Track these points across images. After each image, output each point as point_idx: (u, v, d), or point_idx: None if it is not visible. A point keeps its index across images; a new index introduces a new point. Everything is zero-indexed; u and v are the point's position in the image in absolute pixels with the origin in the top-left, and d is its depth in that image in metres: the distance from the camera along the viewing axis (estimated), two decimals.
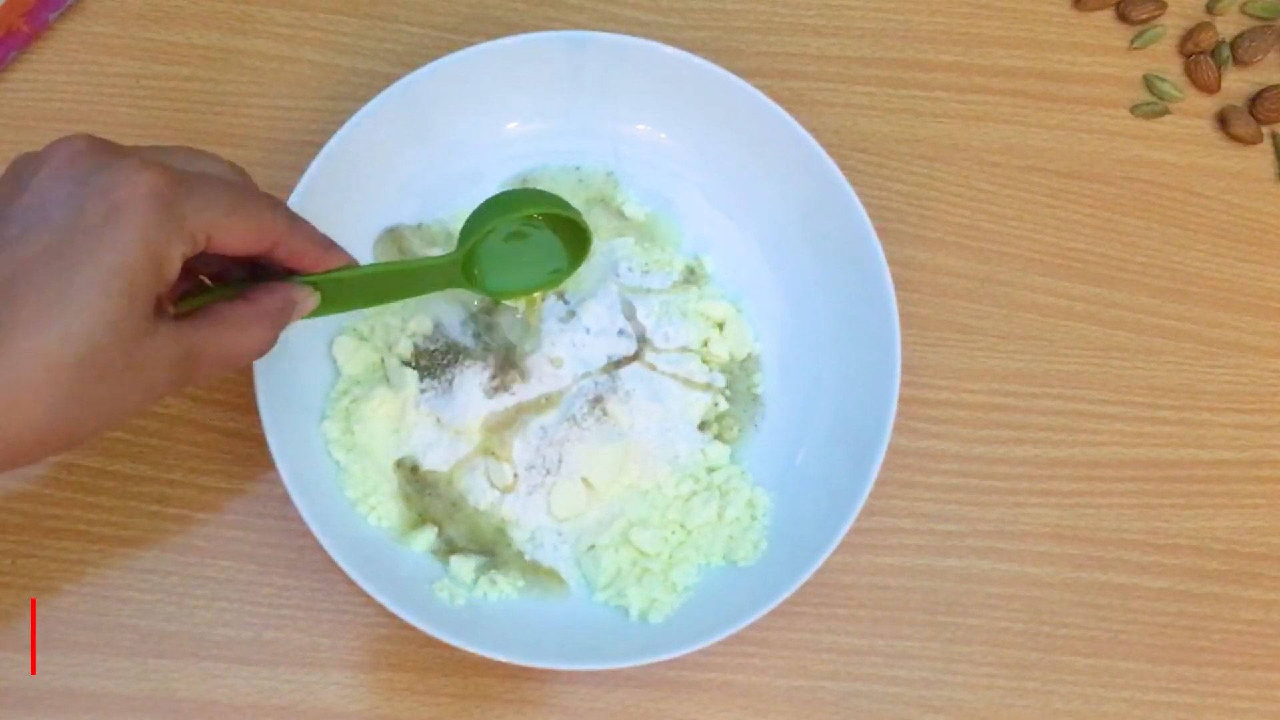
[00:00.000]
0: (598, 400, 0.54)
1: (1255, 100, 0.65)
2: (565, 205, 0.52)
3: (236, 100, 0.60)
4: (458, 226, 0.52)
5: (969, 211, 0.63)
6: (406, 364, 0.55)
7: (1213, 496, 0.60)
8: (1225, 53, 0.66)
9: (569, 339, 0.55)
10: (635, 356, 0.56)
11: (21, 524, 0.54)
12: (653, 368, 0.56)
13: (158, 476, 0.55)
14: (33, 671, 0.53)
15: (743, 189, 0.59)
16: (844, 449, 0.55)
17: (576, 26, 0.62)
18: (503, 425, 0.54)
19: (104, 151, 0.39)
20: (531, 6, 0.63)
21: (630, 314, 0.57)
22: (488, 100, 0.58)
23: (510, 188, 0.58)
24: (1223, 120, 0.65)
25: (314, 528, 0.49)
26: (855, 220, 0.55)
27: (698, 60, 0.56)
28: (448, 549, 0.54)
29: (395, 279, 0.50)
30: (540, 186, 0.59)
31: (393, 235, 0.57)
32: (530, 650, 0.50)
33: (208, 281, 0.46)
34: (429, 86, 0.55)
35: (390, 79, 0.55)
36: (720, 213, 0.60)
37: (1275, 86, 0.65)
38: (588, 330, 0.55)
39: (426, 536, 0.53)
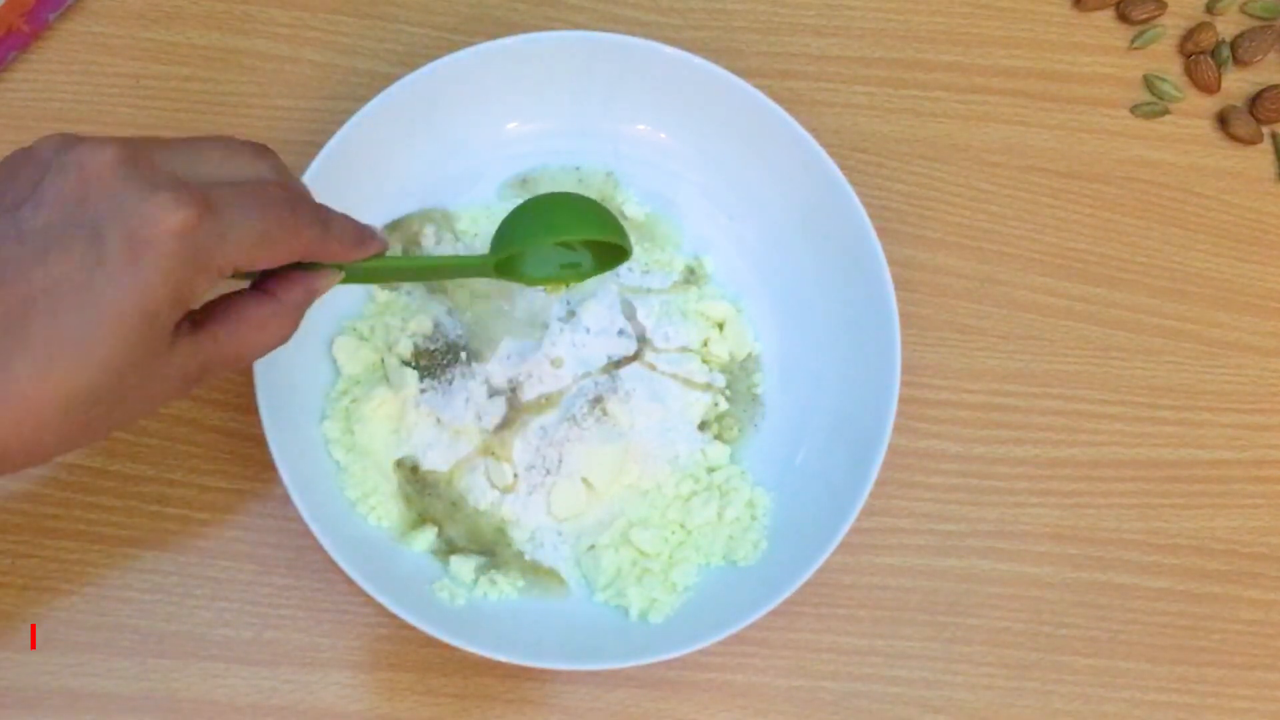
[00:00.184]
0: (598, 400, 0.54)
1: (1255, 100, 0.65)
2: (613, 229, 0.49)
3: (236, 100, 0.60)
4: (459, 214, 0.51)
5: (969, 211, 0.63)
6: (406, 364, 0.55)
7: (1213, 496, 0.60)
8: (1225, 53, 0.66)
9: (569, 339, 0.55)
10: (635, 356, 0.56)
11: (21, 524, 0.54)
12: (653, 368, 0.56)
13: (158, 476, 0.55)
14: (32, 645, 0.52)
15: (743, 189, 0.59)
16: (844, 449, 0.55)
17: (576, 26, 0.62)
18: (503, 425, 0.54)
19: (133, 175, 0.36)
20: (531, 6, 0.63)
21: (630, 314, 0.57)
22: (488, 100, 0.58)
23: (554, 192, 0.54)
24: (1223, 120, 0.65)
25: (314, 528, 0.49)
26: (855, 220, 0.55)
27: (698, 60, 0.56)
28: (448, 549, 0.54)
29: (423, 270, 0.49)
30: (540, 187, 0.59)
31: (398, 226, 0.57)
32: (530, 650, 0.50)
33: None
34: (429, 86, 0.55)
35: (390, 79, 0.55)
36: (720, 213, 0.60)
37: (1275, 86, 0.65)
38: (588, 330, 0.55)
39: (426, 536, 0.53)
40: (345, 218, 0.43)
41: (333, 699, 0.54)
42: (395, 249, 0.57)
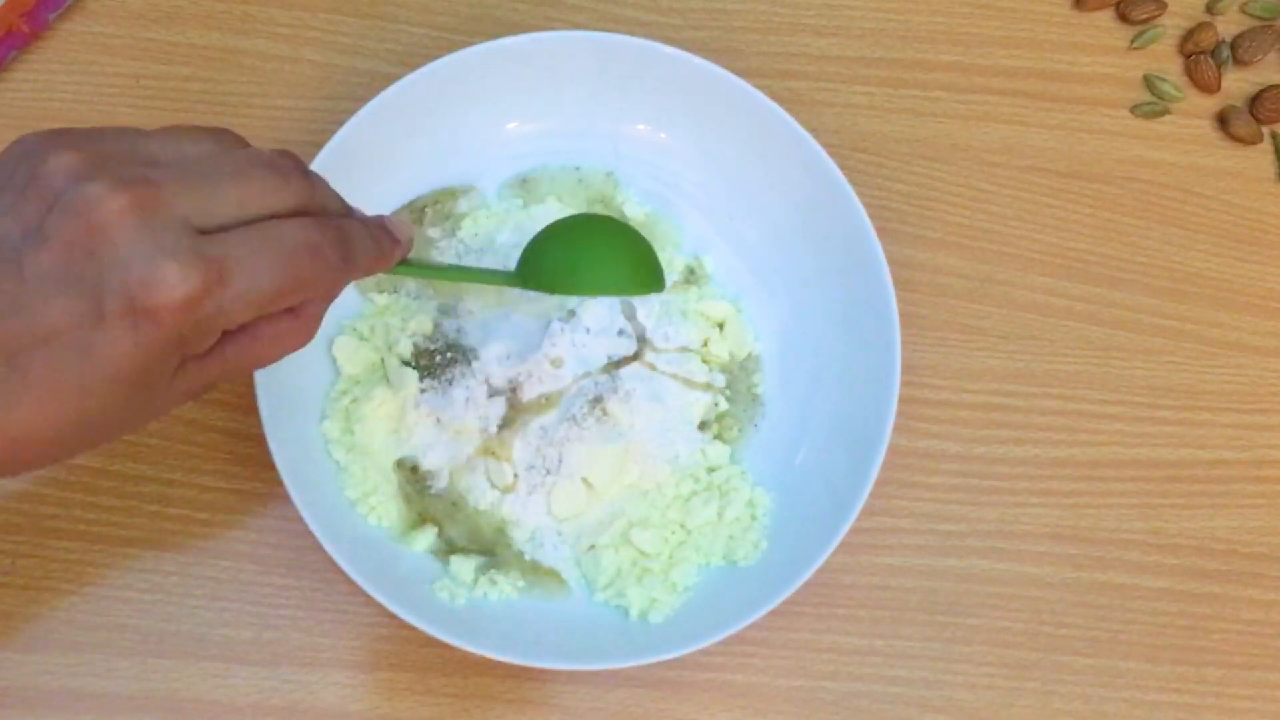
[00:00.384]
0: (598, 400, 0.54)
1: (1255, 100, 0.65)
2: (650, 280, 0.48)
3: (236, 100, 0.60)
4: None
5: (969, 211, 0.63)
6: (406, 364, 0.55)
7: (1213, 496, 0.60)
8: (1225, 53, 0.66)
9: (569, 339, 0.55)
10: (635, 356, 0.56)
11: (21, 524, 0.54)
12: (653, 368, 0.56)
13: (158, 476, 0.55)
14: None
15: (743, 189, 0.59)
16: (844, 449, 0.55)
17: (576, 26, 0.62)
18: (503, 425, 0.54)
19: (143, 233, 0.33)
20: (531, 6, 0.63)
21: (630, 314, 0.57)
22: (488, 100, 0.58)
23: (585, 213, 0.53)
24: (1223, 120, 0.65)
25: (314, 528, 0.49)
26: (855, 220, 0.55)
27: (698, 60, 0.56)
28: (448, 549, 0.54)
29: (444, 274, 0.47)
30: (540, 187, 0.59)
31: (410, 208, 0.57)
32: (530, 650, 0.50)
33: None
34: (429, 86, 0.55)
35: (390, 79, 0.55)
36: (720, 213, 0.60)
37: (1275, 86, 0.65)
38: (588, 330, 0.55)
39: (426, 536, 0.53)
40: (368, 233, 0.40)
41: (333, 699, 0.54)
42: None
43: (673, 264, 0.58)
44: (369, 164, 0.56)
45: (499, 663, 0.50)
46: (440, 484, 0.54)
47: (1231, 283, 0.63)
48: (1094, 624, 0.58)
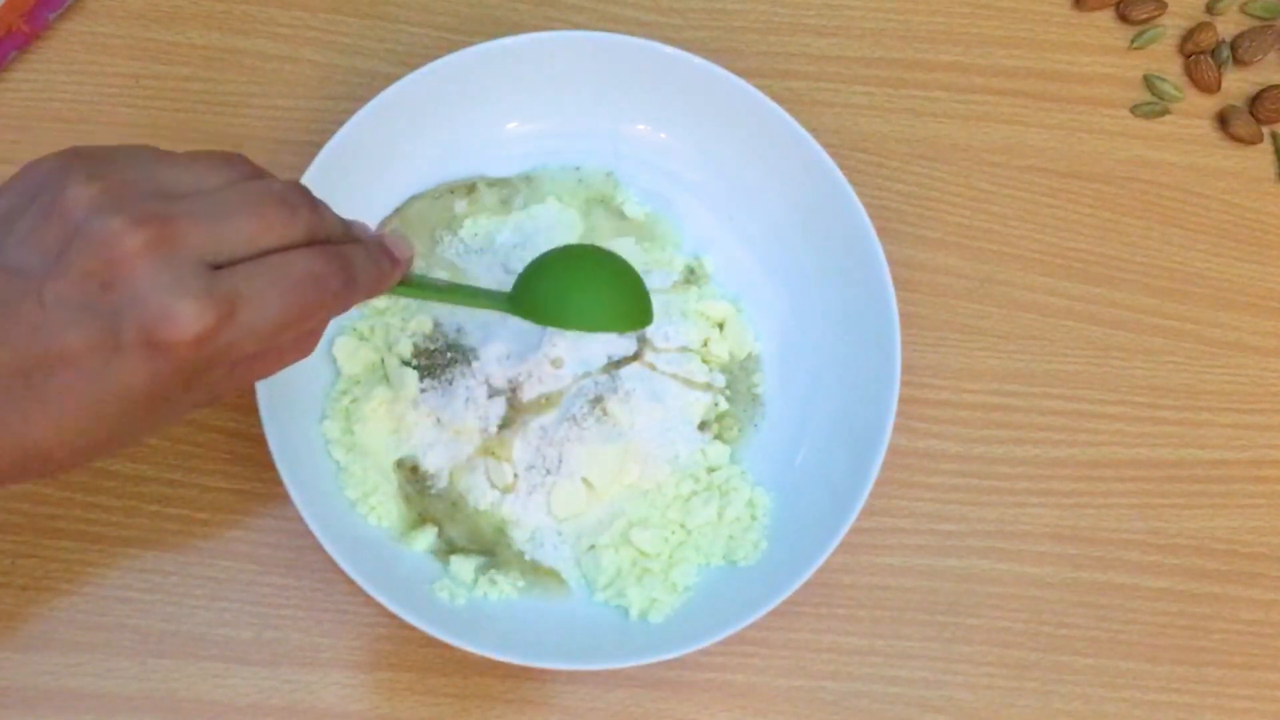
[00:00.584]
0: (598, 400, 0.54)
1: (1255, 100, 0.65)
2: (638, 317, 0.49)
3: (236, 100, 0.60)
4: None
5: (969, 211, 0.63)
6: (406, 364, 0.55)
7: (1213, 496, 0.60)
8: (1225, 53, 0.66)
9: (569, 339, 0.55)
10: (635, 356, 0.56)
11: (21, 524, 0.54)
12: (653, 368, 0.56)
13: (158, 476, 0.55)
14: None
15: (743, 189, 0.59)
16: (844, 449, 0.55)
17: (576, 26, 0.62)
18: (503, 425, 0.54)
19: (160, 271, 0.35)
20: (531, 6, 0.63)
21: None
22: (488, 100, 0.58)
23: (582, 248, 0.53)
24: (1223, 120, 0.65)
25: (314, 528, 0.49)
26: (855, 220, 0.55)
27: (698, 60, 0.56)
28: (448, 549, 0.54)
29: (441, 295, 0.48)
30: (541, 187, 0.59)
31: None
32: (530, 650, 0.50)
33: None
34: (429, 86, 0.55)
35: (390, 79, 0.55)
36: (720, 213, 0.60)
37: (1275, 86, 0.65)
38: None
39: (426, 536, 0.53)
40: (369, 256, 0.41)
41: (333, 699, 0.54)
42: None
43: (673, 264, 0.58)
44: (369, 164, 0.56)
45: (499, 663, 0.50)
46: (440, 484, 0.54)
47: (1231, 283, 0.63)
48: (1094, 624, 0.58)
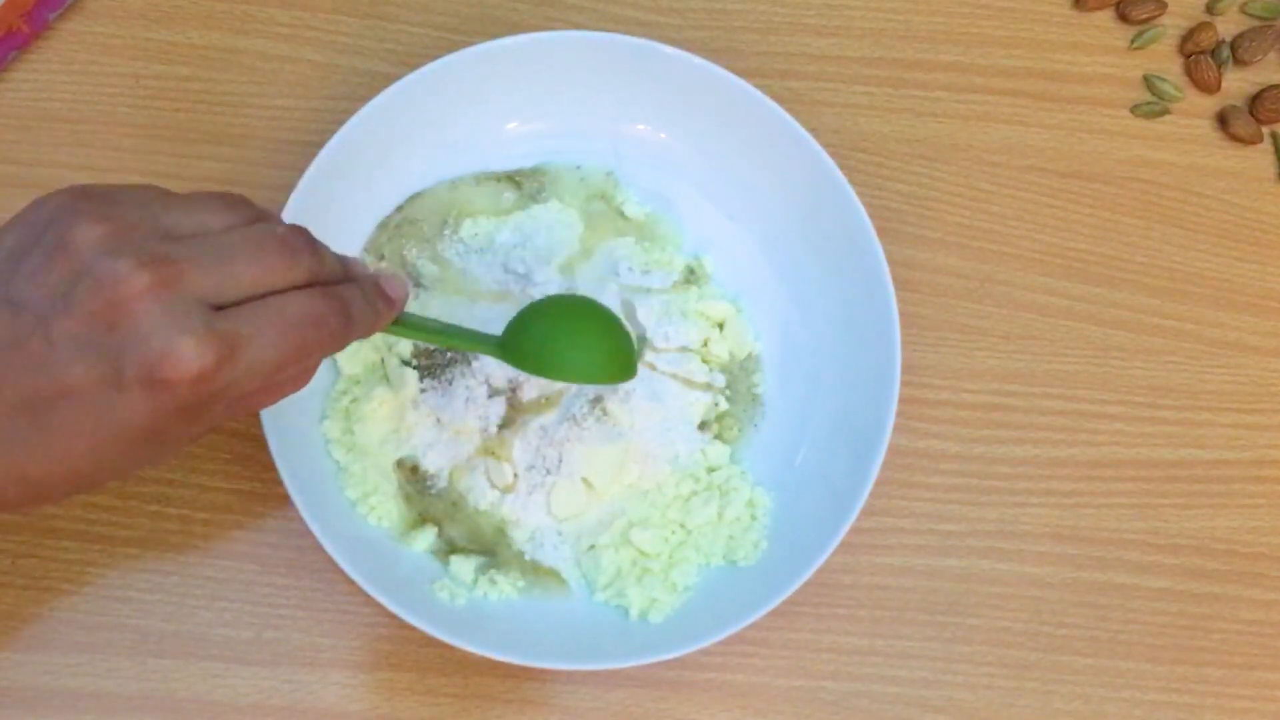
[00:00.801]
0: (597, 400, 0.54)
1: (1255, 100, 0.65)
2: (619, 370, 0.50)
3: (236, 100, 0.60)
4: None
5: (969, 211, 0.63)
6: (406, 364, 0.55)
7: (1213, 496, 0.60)
8: (1225, 53, 0.66)
9: None
10: None
11: (21, 524, 0.54)
12: (653, 368, 0.56)
13: (158, 476, 0.55)
14: None
15: (743, 189, 0.59)
16: (844, 449, 0.55)
17: (576, 26, 0.62)
18: (503, 425, 0.54)
19: (163, 312, 0.36)
20: (531, 6, 0.63)
21: (630, 314, 0.57)
22: (488, 100, 0.58)
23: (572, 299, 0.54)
24: (1223, 120, 0.65)
25: (314, 528, 0.49)
26: (855, 220, 0.55)
27: (698, 60, 0.56)
28: (448, 549, 0.54)
29: (433, 336, 0.49)
30: (542, 186, 0.59)
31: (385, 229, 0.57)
32: (530, 650, 0.50)
33: None
34: (429, 86, 0.55)
35: (390, 79, 0.55)
36: (720, 213, 0.60)
37: (1275, 86, 0.65)
38: None
39: (426, 536, 0.53)
40: (365, 297, 0.42)
41: (333, 699, 0.54)
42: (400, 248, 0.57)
43: (673, 264, 0.58)
44: (369, 164, 0.56)
45: (499, 663, 0.50)
46: (440, 484, 0.54)
47: (1231, 283, 0.63)
48: (1094, 624, 0.58)
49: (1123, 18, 0.66)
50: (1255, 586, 0.60)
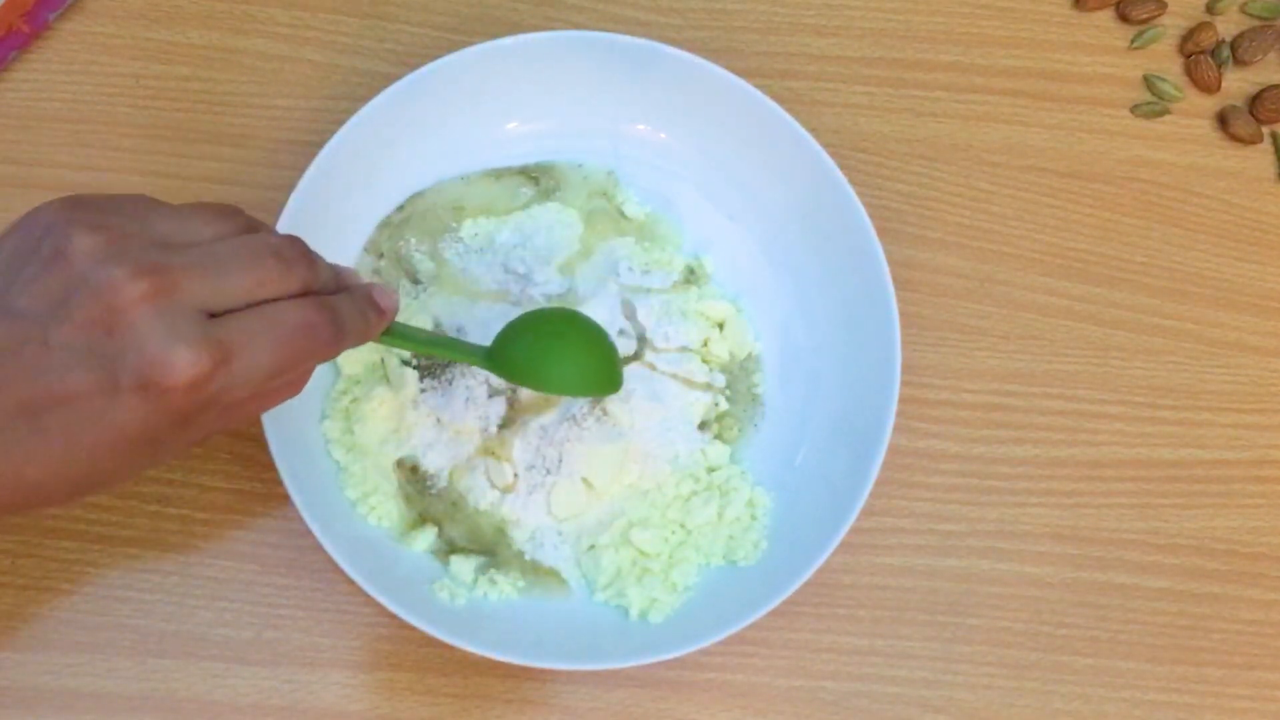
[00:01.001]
0: (598, 400, 0.54)
1: (1255, 100, 0.65)
2: (604, 383, 0.51)
3: (236, 100, 0.60)
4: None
5: (969, 211, 0.63)
6: (406, 364, 0.55)
7: (1213, 496, 0.60)
8: (1225, 53, 0.66)
9: None
10: (635, 356, 0.56)
11: (21, 524, 0.54)
12: (653, 368, 0.56)
13: (158, 476, 0.55)
14: None
15: (743, 189, 0.59)
16: (844, 449, 0.55)
17: (576, 26, 0.62)
18: (503, 425, 0.54)
19: (158, 318, 0.36)
20: (531, 6, 0.63)
21: (630, 314, 0.57)
22: (488, 100, 0.58)
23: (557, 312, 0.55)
24: (1223, 120, 0.65)
25: (314, 528, 0.49)
26: (855, 220, 0.55)
27: (698, 60, 0.56)
28: (448, 549, 0.54)
29: (423, 346, 0.50)
30: (557, 181, 0.59)
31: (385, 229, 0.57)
32: (530, 650, 0.50)
33: None
34: (429, 86, 0.55)
35: (390, 79, 0.55)
36: (720, 213, 0.60)
37: (1275, 86, 0.65)
38: None
39: (426, 536, 0.53)
40: (356, 307, 0.43)
41: (333, 699, 0.54)
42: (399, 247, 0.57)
43: (673, 264, 0.58)
44: (369, 164, 0.56)
45: (499, 663, 0.50)
46: (440, 484, 0.54)
47: (1231, 283, 0.63)
48: (1094, 624, 0.58)
49: (1123, 18, 0.66)
50: (1255, 586, 0.60)
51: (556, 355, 0.50)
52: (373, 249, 0.57)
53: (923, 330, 0.61)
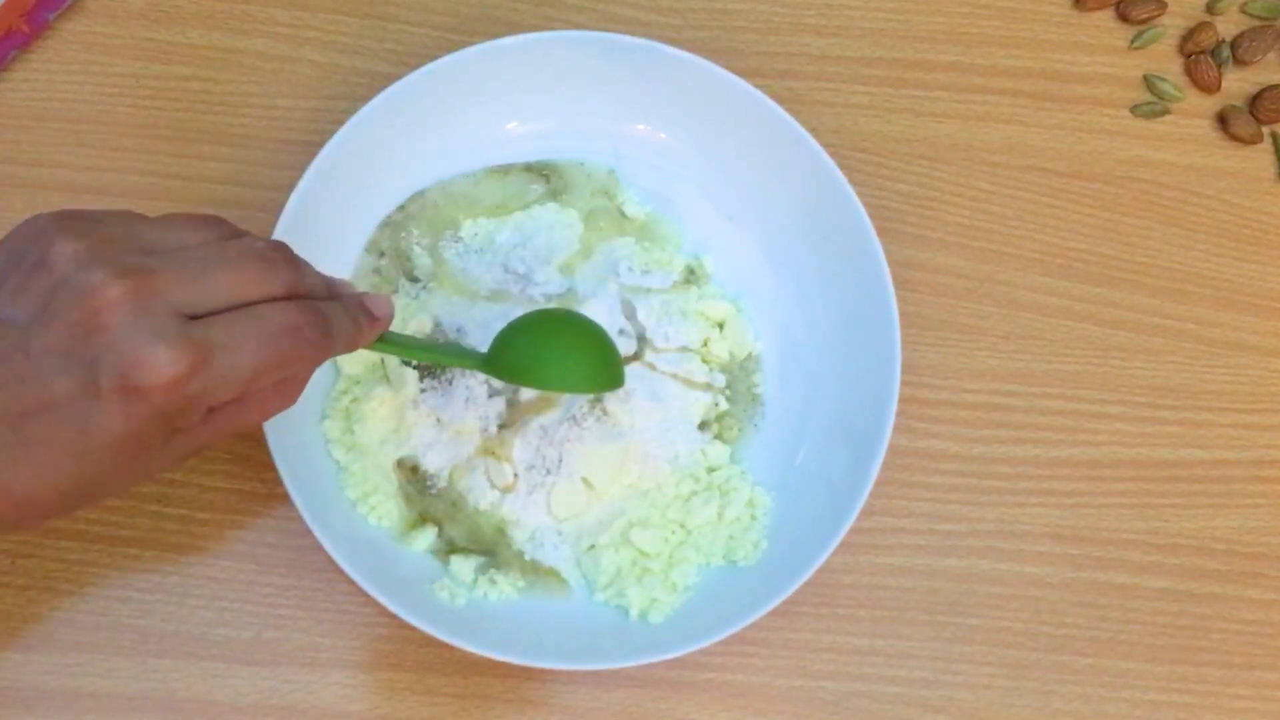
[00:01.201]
0: (597, 400, 0.54)
1: (1255, 100, 0.65)
2: (605, 380, 0.51)
3: (236, 100, 0.60)
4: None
5: (969, 211, 0.63)
6: (406, 364, 0.55)
7: (1213, 496, 0.60)
8: (1225, 53, 0.66)
9: None
10: (635, 356, 0.56)
11: None
12: (653, 368, 0.56)
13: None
14: None
15: (743, 189, 0.59)
16: (844, 449, 0.55)
17: (576, 26, 0.62)
18: (503, 424, 0.54)
19: (138, 319, 0.36)
20: (531, 6, 0.63)
21: (630, 314, 0.57)
22: (488, 100, 0.58)
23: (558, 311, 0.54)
24: (1223, 120, 0.65)
25: (314, 528, 0.49)
26: (855, 220, 0.55)
27: (698, 60, 0.56)
28: (448, 549, 0.54)
29: (419, 353, 0.50)
30: (547, 180, 0.59)
31: (387, 228, 0.57)
32: (530, 650, 0.50)
33: None
34: (429, 86, 0.55)
35: (390, 79, 0.55)
36: (720, 213, 0.60)
37: (1275, 86, 0.65)
38: None
39: (426, 536, 0.53)
40: (347, 313, 0.42)
41: (333, 699, 0.54)
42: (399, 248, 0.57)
43: (673, 264, 0.58)
44: (370, 163, 0.56)
45: (499, 663, 0.50)
46: (440, 484, 0.54)
47: (1231, 283, 0.63)
48: (1094, 624, 0.58)
49: (1123, 18, 0.66)
50: (1255, 586, 0.60)
51: (557, 352, 0.50)
52: (373, 248, 0.57)
53: (923, 330, 0.61)
